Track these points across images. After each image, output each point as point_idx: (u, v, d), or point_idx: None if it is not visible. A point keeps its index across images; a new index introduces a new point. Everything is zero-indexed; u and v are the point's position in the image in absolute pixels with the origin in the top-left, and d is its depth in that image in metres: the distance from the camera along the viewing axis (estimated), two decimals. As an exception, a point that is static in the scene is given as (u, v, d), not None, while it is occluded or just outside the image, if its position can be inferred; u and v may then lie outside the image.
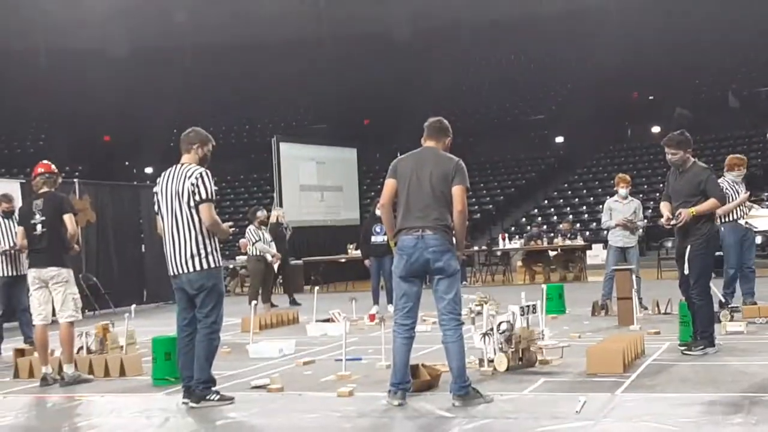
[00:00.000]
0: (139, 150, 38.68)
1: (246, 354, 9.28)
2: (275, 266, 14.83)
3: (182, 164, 6.81)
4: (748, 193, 11.31)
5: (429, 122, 6.59)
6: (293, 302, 16.02)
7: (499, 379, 7.07)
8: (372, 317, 11.77)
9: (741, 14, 27.90)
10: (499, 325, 7.46)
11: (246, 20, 32.96)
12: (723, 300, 10.24)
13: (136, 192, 19.46)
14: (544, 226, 26.93)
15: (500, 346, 7.39)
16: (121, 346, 8.73)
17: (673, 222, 7.98)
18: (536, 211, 31.30)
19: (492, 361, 7.37)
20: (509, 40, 32.92)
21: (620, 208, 12.00)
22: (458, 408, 5.99)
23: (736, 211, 10.88)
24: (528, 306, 7.75)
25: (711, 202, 7.88)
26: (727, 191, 10.19)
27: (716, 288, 10.10)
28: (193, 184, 6.62)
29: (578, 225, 25.73)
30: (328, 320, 11.40)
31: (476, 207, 31.58)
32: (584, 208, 29.88)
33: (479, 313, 7.83)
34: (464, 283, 19.01)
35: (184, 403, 6.66)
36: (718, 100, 33.78)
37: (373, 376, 7.50)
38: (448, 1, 29.86)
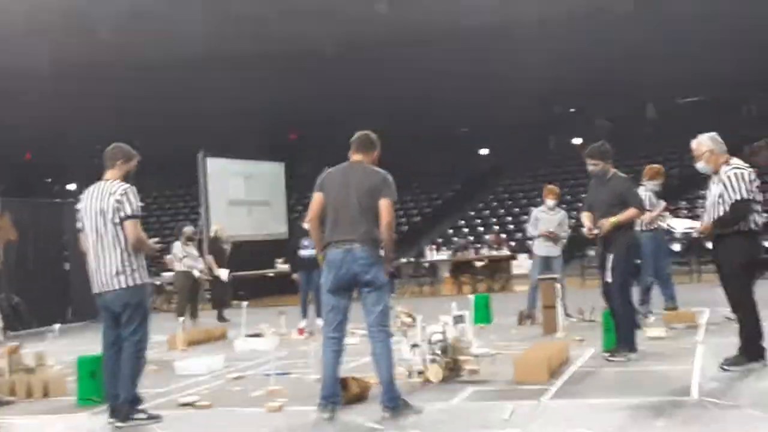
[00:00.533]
0: (62, 167, 37.93)
1: (173, 371, 9.18)
2: (223, 278, 14.92)
3: (106, 180, 6.73)
4: (665, 203, 11.65)
5: (356, 136, 6.64)
6: (221, 318, 15.88)
7: (429, 390, 7.12)
8: (301, 331, 11.76)
9: (658, 27, 28.63)
10: (431, 336, 7.52)
11: (171, 37, 32.61)
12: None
13: (58, 209, 19.08)
14: (471, 238, 27.23)
15: (433, 357, 7.44)
16: (29, 368, 8.52)
17: (595, 231, 8.17)
18: (463, 222, 31.60)
19: (422, 372, 7.43)
20: (434, 55, 33.15)
21: (546, 218, 12.21)
22: (388, 420, 6.03)
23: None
24: (460, 315, 7.81)
25: (631, 211, 8.09)
26: (645, 201, 10.49)
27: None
28: (117, 201, 6.54)
29: (504, 236, 26.05)
30: (256, 335, 11.34)
31: (404, 219, 31.75)
32: (510, 219, 30.29)
33: (411, 325, 7.88)
34: (393, 295, 19.09)
35: (110, 422, 6.56)
36: (636, 111, 34.57)
37: (303, 390, 7.48)
38: (375, 17, 29.97)
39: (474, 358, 7.80)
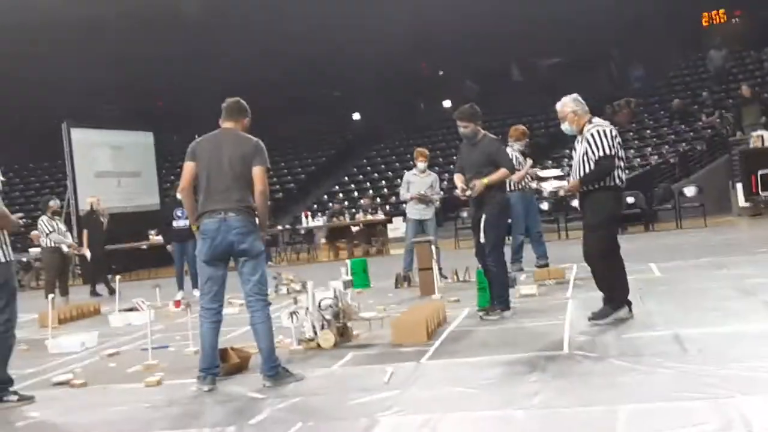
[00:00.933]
0: None
1: (45, 350, 8.91)
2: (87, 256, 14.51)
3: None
4: (531, 161, 12.04)
5: (226, 103, 6.54)
6: (94, 293, 15.49)
7: (308, 357, 7.14)
8: (177, 303, 11.59)
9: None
10: (321, 301, 7.49)
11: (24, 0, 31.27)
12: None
13: None
14: (346, 203, 27.32)
15: (323, 323, 7.42)
16: None
17: (468, 193, 8.32)
18: (337, 188, 31.65)
19: (312, 339, 7.40)
20: (304, 19, 32.92)
21: (418, 181, 12.36)
22: (269, 388, 6.03)
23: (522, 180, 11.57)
24: (349, 280, 7.81)
25: (502, 171, 8.26)
26: (513, 161, 10.82)
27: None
28: (-23, 177, 6.27)
29: (378, 200, 26.28)
30: (131, 309, 11.12)
31: (278, 186, 31.56)
32: (383, 183, 30.51)
33: (299, 291, 7.84)
34: (269, 263, 19.01)
35: (-21, 406, 6.33)
36: (502, 73, 35.24)
37: (182, 363, 7.40)
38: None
39: (366, 323, 7.84)
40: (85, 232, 15.86)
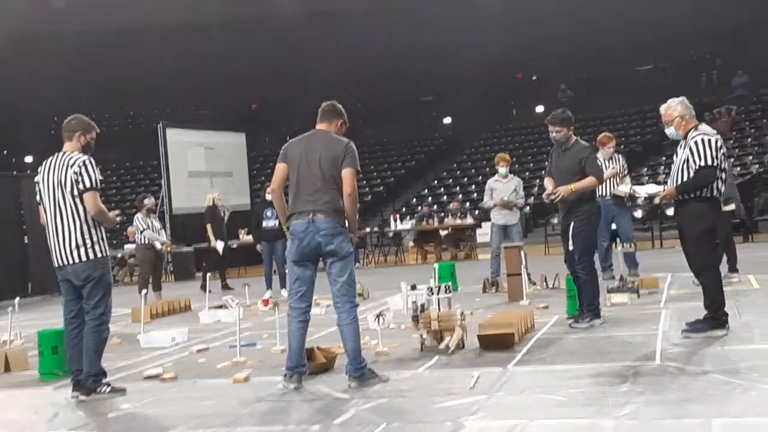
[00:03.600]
0: (18, 139, 37.34)
1: (137, 344, 9.11)
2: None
3: (64, 153, 6.61)
4: (615, 168, 11.68)
5: (322, 105, 6.57)
6: (226, 287, 15.57)
7: (394, 359, 7.13)
8: (265, 302, 11.71)
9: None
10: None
11: (129, 4, 32.11)
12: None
13: (16, 182, 18.81)
14: (435, 206, 27.27)
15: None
16: (5, 341, 8.47)
17: (552, 197, 8.19)
18: (426, 191, 31.63)
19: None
20: (398, 24, 33.09)
21: (500, 187, 12.26)
22: (354, 389, 6.02)
23: (603, 187, 11.32)
24: (441, 286, 7.54)
25: (589, 179, 8.09)
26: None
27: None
28: (76, 173, 6.43)
29: (467, 204, 26.15)
30: (221, 307, 11.29)
31: (367, 189, 31.70)
32: (473, 187, 30.34)
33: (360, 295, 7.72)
34: (358, 265, 19.11)
35: (73, 396, 6.50)
36: (598, 78, 34.70)
37: (269, 360, 7.47)
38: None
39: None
40: (208, 226, 16.10)
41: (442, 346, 7.13)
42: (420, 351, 7.22)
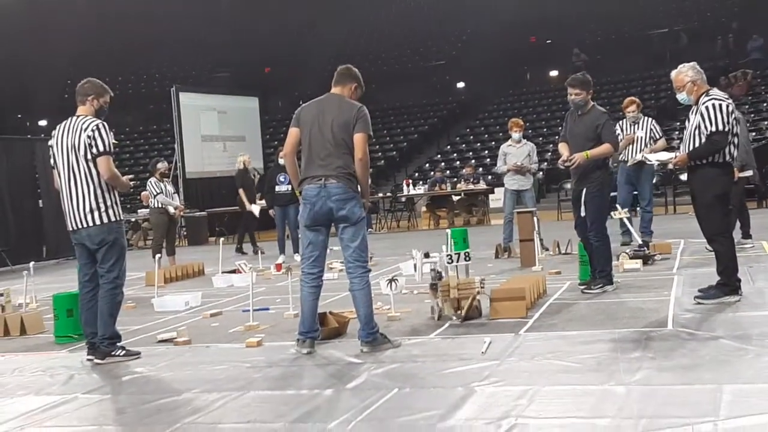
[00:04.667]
0: (32, 103, 37.38)
1: (151, 308, 9.18)
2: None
3: (78, 116, 6.62)
4: (630, 136, 11.50)
5: (338, 69, 6.53)
6: (256, 250, 15.48)
7: (406, 324, 7.15)
8: (278, 267, 11.73)
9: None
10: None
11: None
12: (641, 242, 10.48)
13: (30, 145, 18.85)
14: (447, 171, 27.20)
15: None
16: (20, 304, 8.55)
17: (567, 164, 8.15)
18: (439, 156, 31.54)
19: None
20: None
21: (514, 152, 12.22)
22: (366, 354, 6.05)
23: (628, 152, 11.25)
24: (460, 254, 7.37)
25: (605, 146, 8.03)
26: (620, 134, 10.63)
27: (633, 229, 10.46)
28: (89, 137, 6.44)
29: (480, 169, 26.06)
30: (234, 271, 11.34)
31: (380, 154, 31.62)
32: (486, 152, 30.22)
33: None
34: (370, 230, 19.13)
35: (88, 359, 6.57)
36: (612, 42, 34.38)
37: (281, 325, 7.51)
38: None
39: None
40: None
41: (455, 318, 7.08)
42: (437, 320, 7.16)
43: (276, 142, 26.46)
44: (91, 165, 6.47)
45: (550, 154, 26.03)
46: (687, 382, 4.71)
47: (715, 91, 7.14)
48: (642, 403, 4.40)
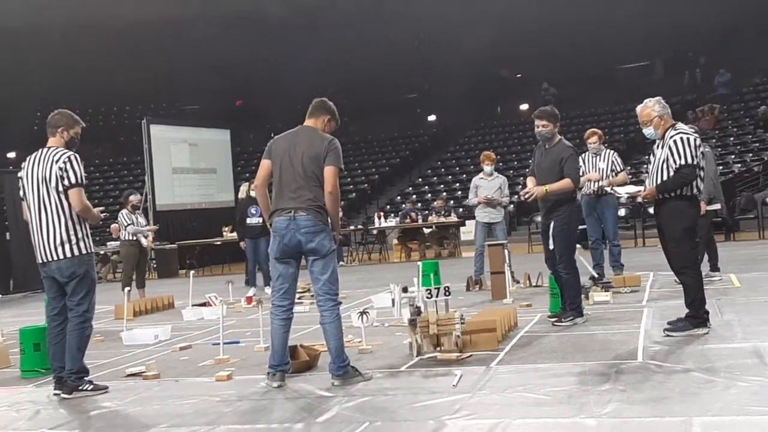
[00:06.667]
0: (1, 134, 37.09)
1: (120, 341, 9.09)
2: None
3: (48, 148, 6.58)
4: (593, 174, 11.38)
5: (313, 101, 6.55)
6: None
7: (377, 357, 7.13)
8: (249, 300, 11.70)
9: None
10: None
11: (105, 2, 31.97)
12: (596, 275, 10.54)
13: (-2, 177, 18.70)
14: (419, 204, 27.29)
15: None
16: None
17: (526, 196, 8.23)
18: (410, 189, 31.64)
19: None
20: (382, 20, 33.06)
21: (485, 184, 12.28)
22: (337, 387, 6.03)
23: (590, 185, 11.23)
24: (441, 287, 7.24)
25: (564, 182, 8.08)
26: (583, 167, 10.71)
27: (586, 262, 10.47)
28: (61, 169, 6.40)
29: (452, 202, 26.17)
30: (204, 304, 11.27)
31: (351, 186, 31.67)
32: (457, 185, 30.35)
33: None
34: (341, 263, 19.11)
35: (55, 394, 6.48)
36: (582, 77, 34.76)
37: (252, 358, 7.47)
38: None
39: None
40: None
41: (438, 354, 6.90)
42: (416, 356, 6.93)
43: (248, 175, 26.44)
44: (62, 197, 6.43)
45: (520, 187, 26.18)
46: (657, 415, 4.73)
47: (681, 125, 7.25)
48: (612, 435, 4.41)
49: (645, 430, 4.49)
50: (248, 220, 13.63)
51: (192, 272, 12.69)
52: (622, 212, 18.73)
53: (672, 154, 7.01)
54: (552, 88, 33.57)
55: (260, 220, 12.73)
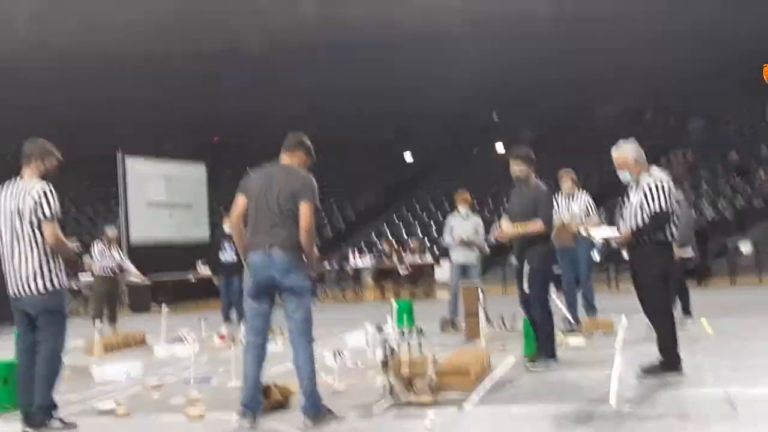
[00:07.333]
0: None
1: (90, 377, 8.97)
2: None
3: (22, 178, 6.51)
4: (563, 218, 11.38)
5: (287, 137, 6.55)
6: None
7: (350, 397, 7.08)
8: (222, 337, 11.60)
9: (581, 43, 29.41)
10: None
11: (91, 33, 31.95)
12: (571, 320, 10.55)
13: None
14: (394, 242, 27.29)
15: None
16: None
17: (496, 236, 8.29)
18: (386, 226, 31.69)
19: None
20: (359, 62, 33.31)
21: (460, 224, 12.27)
22: (309, 427, 5.98)
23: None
24: (413, 329, 7.14)
25: (537, 223, 8.14)
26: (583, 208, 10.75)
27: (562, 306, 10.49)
28: (35, 201, 6.33)
29: (426, 240, 26.22)
30: (176, 340, 11.15)
31: (327, 225, 31.67)
32: (432, 224, 30.49)
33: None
34: (316, 300, 19.03)
35: (24, 430, 6.37)
36: (557, 121, 35.14)
37: (224, 396, 7.38)
38: (302, 19, 29.90)
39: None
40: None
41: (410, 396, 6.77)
42: (388, 395, 6.79)
43: (222, 209, 26.36)
44: (36, 230, 6.36)
45: (496, 227, 26.29)
46: (629, 461, 4.73)
47: (656, 170, 7.32)
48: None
49: (617, 475, 4.48)
50: (221, 257, 13.56)
51: (165, 308, 12.57)
52: (597, 256, 18.80)
53: (647, 200, 7.08)
54: (528, 131, 33.87)
55: (234, 255, 12.67)
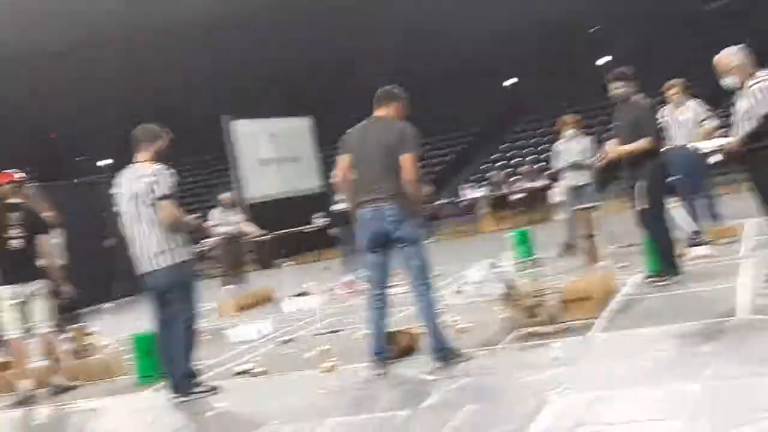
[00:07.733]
0: (91, 144, 38.17)
1: (225, 339, 9.33)
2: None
3: (137, 163, 6.79)
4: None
5: (377, 92, 6.60)
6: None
7: (475, 334, 7.16)
8: (345, 286, 11.82)
9: None
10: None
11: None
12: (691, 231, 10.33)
13: (94, 187, 19.27)
14: (507, 170, 27.11)
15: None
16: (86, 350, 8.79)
17: (599, 160, 8.17)
18: (497, 156, 31.44)
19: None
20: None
21: (567, 148, 12.04)
22: (439, 369, 6.10)
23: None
24: (530, 260, 7.29)
25: (641, 142, 7.96)
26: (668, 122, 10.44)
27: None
28: (149, 183, 6.59)
29: (537, 165, 25.91)
30: (302, 294, 11.43)
31: (435, 160, 31.62)
32: (541, 148, 30.04)
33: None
34: (432, 238, 19.12)
35: (171, 398, 6.71)
36: (661, 24, 33.86)
37: (354, 347, 7.57)
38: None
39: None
40: None
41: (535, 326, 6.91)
42: (512, 329, 6.95)
43: (332, 160, 26.62)
44: (153, 210, 6.61)
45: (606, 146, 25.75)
46: (765, 374, 4.64)
47: (763, 73, 7.00)
48: (718, 399, 4.38)
49: (752, 390, 4.42)
50: (336, 207, 13.77)
51: (288, 261, 12.83)
52: (713, 160, 18.18)
53: (754, 104, 6.82)
54: (630, 39, 32.74)
55: (346, 206, 12.83)
